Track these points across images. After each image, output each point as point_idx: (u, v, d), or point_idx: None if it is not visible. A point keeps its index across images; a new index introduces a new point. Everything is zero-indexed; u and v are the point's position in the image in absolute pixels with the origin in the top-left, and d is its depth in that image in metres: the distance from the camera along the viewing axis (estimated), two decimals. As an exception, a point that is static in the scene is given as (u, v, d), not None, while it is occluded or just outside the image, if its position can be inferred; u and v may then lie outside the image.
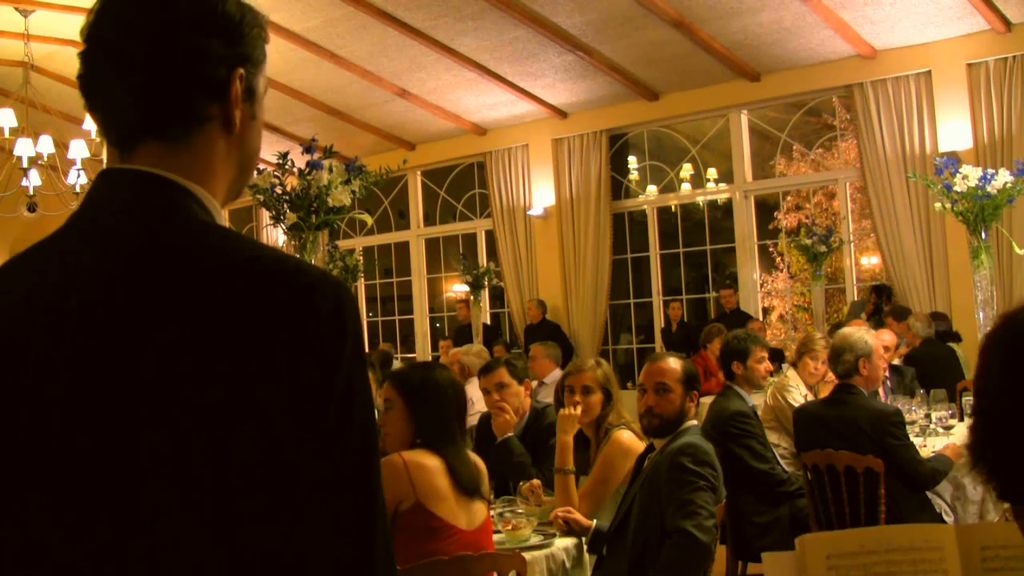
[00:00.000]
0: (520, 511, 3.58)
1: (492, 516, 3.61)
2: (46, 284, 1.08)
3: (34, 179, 9.02)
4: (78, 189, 8.79)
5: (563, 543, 3.46)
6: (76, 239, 1.10)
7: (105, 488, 1.00)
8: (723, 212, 12.01)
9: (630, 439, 3.74)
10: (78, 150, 8.67)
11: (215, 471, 0.98)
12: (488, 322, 11.83)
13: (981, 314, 5.63)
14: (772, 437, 5.02)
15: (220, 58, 1.11)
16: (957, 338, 7.59)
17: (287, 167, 5.06)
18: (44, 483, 1.03)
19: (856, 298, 9.88)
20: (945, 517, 4.40)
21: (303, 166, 4.99)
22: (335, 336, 1.02)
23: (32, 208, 9.05)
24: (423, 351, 12.89)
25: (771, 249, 14.51)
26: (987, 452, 1.05)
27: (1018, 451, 1.02)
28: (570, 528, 3.50)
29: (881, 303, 8.66)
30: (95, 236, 1.08)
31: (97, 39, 1.12)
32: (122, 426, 1.00)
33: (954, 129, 8.48)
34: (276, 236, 12.95)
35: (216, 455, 0.98)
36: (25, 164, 8.78)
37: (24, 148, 8.65)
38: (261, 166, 5.17)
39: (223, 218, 1.16)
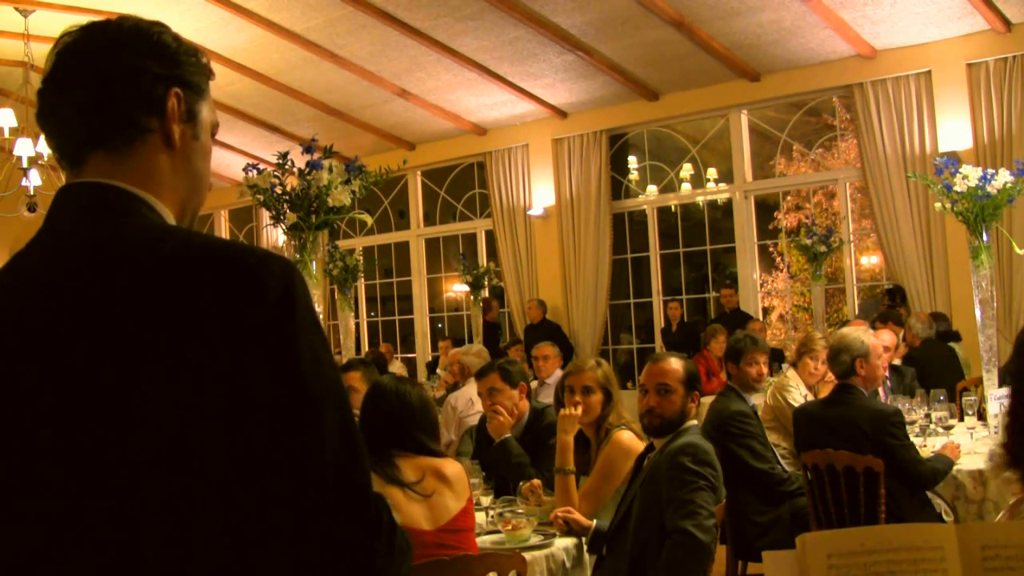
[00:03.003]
0: (520, 511, 3.57)
1: (492, 516, 3.62)
2: (11, 298, 1.14)
3: (34, 179, 9.02)
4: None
5: (563, 543, 3.46)
6: (40, 252, 1.17)
7: (75, 484, 1.04)
8: (723, 212, 12.01)
9: (630, 439, 3.74)
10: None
11: (183, 462, 1.03)
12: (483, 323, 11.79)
13: (980, 313, 5.63)
14: (772, 437, 5.02)
15: (156, 77, 1.22)
16: (957, 337, 7.59)
17: (287, 167, 5.06)
18: (18, 483, 1.06)
19: (857, 299, 9.88)
20: (945, 517, 4.40)
21: (303, 166, 4.99)
22: (286, 313, 1.08)
23: (32, 208, 9.05)
24: (423, 351, 12.89)
25: (771, 249, 14.50)
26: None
27: None
28: (570, 528, 3.50)
29: (895, 305, 8.66)
30: (57, 246, 1.16)
31: (51, 77, 1.23)
32: (88, 423, 1.04)
33: (954, 129, 8.48)
34: (276, 236, 12.95)
35: (182, 446, 1.03)
36: (25, 164, 8.78)
37: (24, 148, 8.65)
38: (261, 166, 5.16)
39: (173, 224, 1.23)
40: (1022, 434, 1.03)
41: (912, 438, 4.43)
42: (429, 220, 12.98)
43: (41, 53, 9.10)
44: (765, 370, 4.92)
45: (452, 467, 3.07)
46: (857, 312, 9.41)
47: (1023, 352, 1.06)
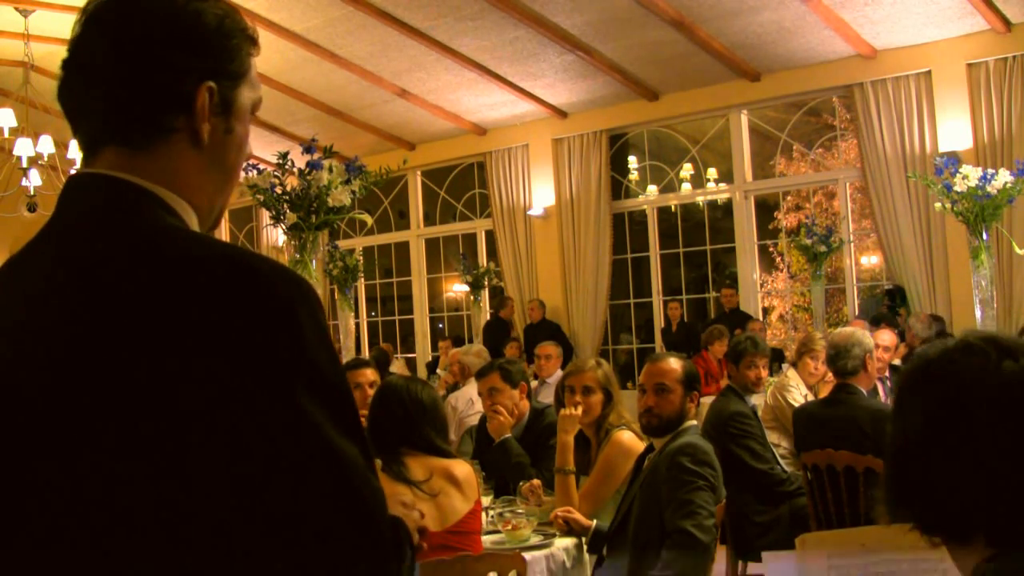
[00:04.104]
0: (520, 511, 3.57)
1: (492, 516, 3.62)
2: (12, 296, 1.10)
3: (34, 179, 9.02)
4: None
5: (563, 543, 3.46)
6: (43, 247, 1.12)
7: (77, 491, 1.00)
8: (723, 212, 12.01)
9: (630, 439, 3.74)
10: (78, 150, 8.65)
11: (180, 478, 0.98)
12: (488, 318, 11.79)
13: (980, 313, 5.63)
14: (772, 437, 5.02)
15: (185, 71, 1.11)
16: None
17: (287, 167, 5.06)
18: (10, 488, 1.03)
19: (857, 299, 9.88)
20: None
21: (303, 166, 4.99)
22: (288, 329, 1.01)
23: (32, 208, 9.06)
24: (423, 351, 12.89)
25: (771, 249, 14.50)
26: (912, 492, 1.12)
27: (943, 489, 1.11)
28: (570, 528, 3.49)
29: (895, 306, 8.66)
30: (59, 243, 1.10)
31: (74, 51, 1.13)
32: (82, 429, 1.00)
33: (954, 129, 8.48)
34: (276, 236, 12.95)
35: (179, 463, 0.98)
36: (25, 164, 8.79)
37: (24, 148, 8.65)
38: (261, 166, 5.16)
39: (195, 222, 1.15)
40: (913, 480, 1.13)
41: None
42: (429, 220, 12.98)
43: (41, 53, 9.14)
44: (764, 374, 4.90)
45: (462, 468, 3.07)
46: (857, 312, 9.42)
47: (940, 386, 1.16)
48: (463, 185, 12.63)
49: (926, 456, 1.12)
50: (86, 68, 1.12)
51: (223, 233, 14.72)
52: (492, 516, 3.62)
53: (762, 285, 11.67)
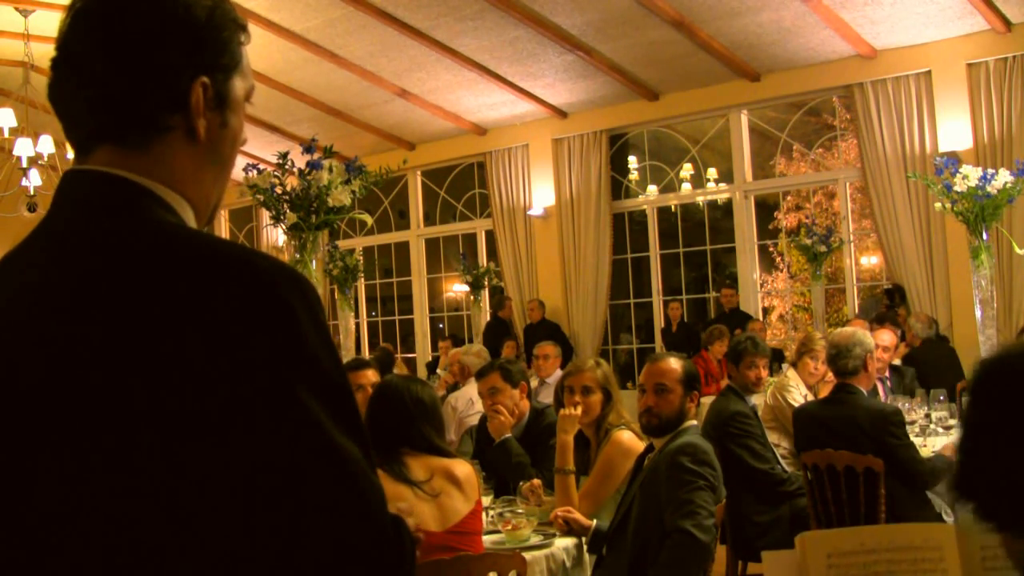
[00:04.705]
0: (520, 511, 3.57)
1: (492, 516, 3.62)
2: (7, 295, 1.08)
3: (34, 179, 9.03)
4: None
5: (563, 543, 3.46)
6: (38, 245, 1.11)
7: (76, 493, 0.99)
8: (723, 212, 12.01)
9: (630, 439, 3.74)
10: (71, 150, 8.66)
11: (175, 473, 0.97)
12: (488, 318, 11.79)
13: (980, 313, 5.63)
14: (772, 437, 5.02)
15: (179, 69, 1.09)
16: (946, 341, 7.63)
17: (287, 167, 5.06)
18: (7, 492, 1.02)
19: (857, 299, 9.88)
20: (945, 517, 4.40)
21: (303, 166, 4.99)
22: (287, 326, 1.00)
23: (32, 208, 9.06)
24: (423, 351, 12.89)
25: (771, 249, 14.51)
26: (977, 481, 1.17)
27: (1006, 479, 1.15)
28: (570, 528, 3.50)
29: (895, 304, 8.67)
30: (54, 241, 1.09)
31: (63, 49, 1.11)
32: (79, 430, 0.99)
33: (954, 129, 8.48)
34: (276, 236, 12.95)
35: (176, 457, 0.97)
36: (25, 164, 8.80)
37: (24, 148, 8.67)
38: (261, 166, 5.16)
39: (192, 218, 1.14)
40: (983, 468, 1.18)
41: (912, 438, 4.43)
42: (429, 220, 12.98)
43: (41, 53, 9.13)
44: (764, 374, 4.90)
45: (463, 468, 3.06)
46: (857, 312, 9.42)
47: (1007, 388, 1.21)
48: (463, 185, 12.63)
49: (992, 447, 1.16)
50: (76, 67, 1.10)
51: (223, 232, 14.72)
52: (492, 516, 3.62)
53: (762, 285, 11.67)
